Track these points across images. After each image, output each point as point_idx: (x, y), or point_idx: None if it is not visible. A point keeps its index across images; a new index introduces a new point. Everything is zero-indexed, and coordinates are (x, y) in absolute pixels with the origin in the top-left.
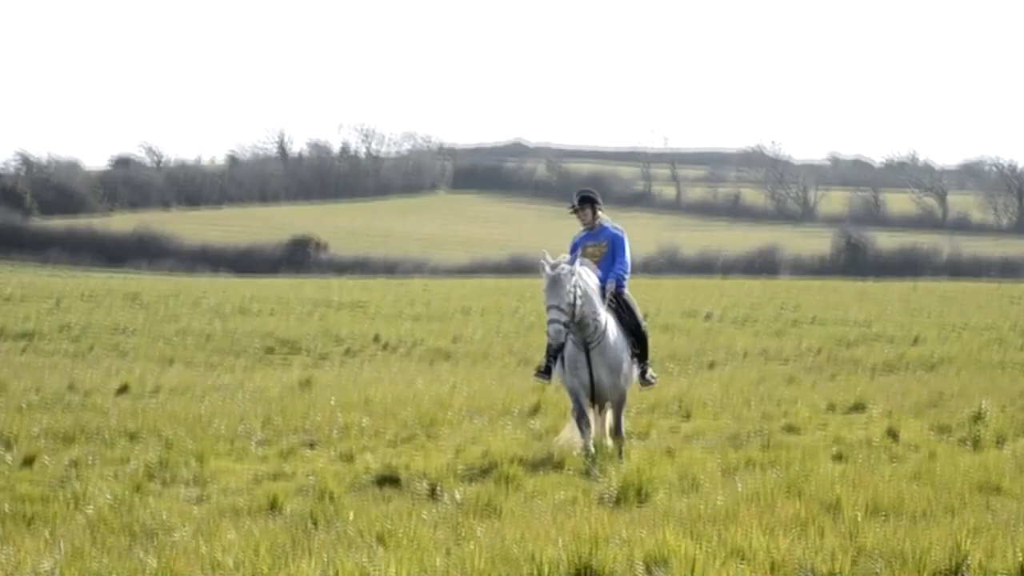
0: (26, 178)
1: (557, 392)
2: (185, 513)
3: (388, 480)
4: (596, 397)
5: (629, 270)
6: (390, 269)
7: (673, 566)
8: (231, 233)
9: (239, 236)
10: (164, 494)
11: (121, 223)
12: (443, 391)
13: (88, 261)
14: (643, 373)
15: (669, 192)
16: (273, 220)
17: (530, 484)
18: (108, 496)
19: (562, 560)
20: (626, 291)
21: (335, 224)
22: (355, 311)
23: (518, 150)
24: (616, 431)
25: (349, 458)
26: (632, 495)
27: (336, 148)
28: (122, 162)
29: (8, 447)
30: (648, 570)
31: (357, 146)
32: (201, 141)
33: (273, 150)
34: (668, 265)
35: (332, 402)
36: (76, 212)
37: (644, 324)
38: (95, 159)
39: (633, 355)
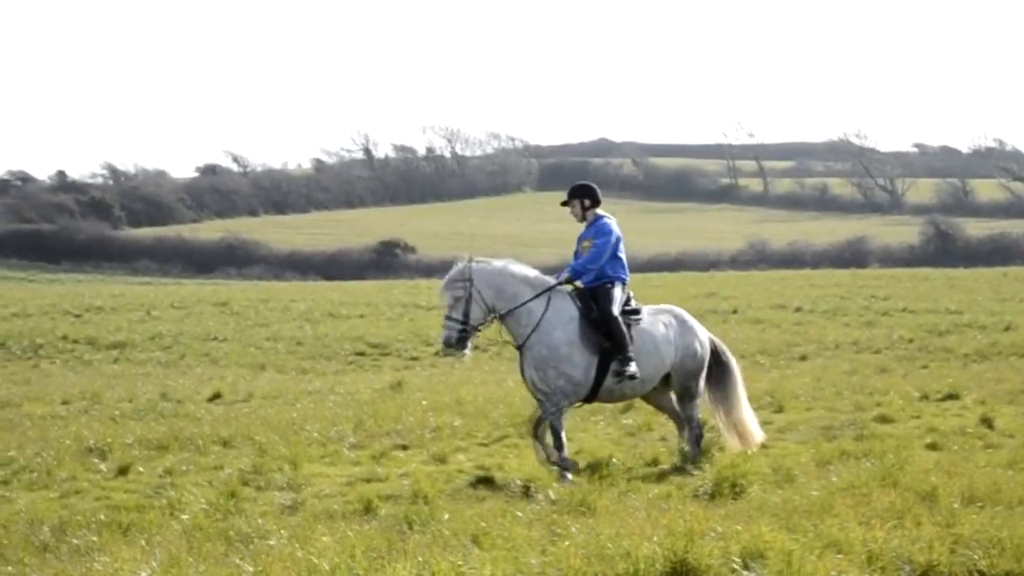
0: (114, 189)
1: None
2: (280, 518)
3: (482, 480)
4: (539, 394)
5: (601, 260)
6: None
7: (770, 560)
8: (318, 238)
9: (326, 241)
10: (259, 500)
11: (209, 231)
12: None
13: (177, 270)
14: (618, 370)
15: (755, 186)
16: (360, 224)
17: (624, 481)
18: (203, 503)
19: (657, 556)
20: (608, 284)
21: (422, 226)
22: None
23: (603, 147)
24: (533, 428)
25: (442, 459)
26: (726, 489)
27: (421, 150)
28: (209, 170)
29: (103, 457)
30: (745, 564)
31: (442, 148)
32: (287, 147)
33: (359, 154)
34: (756, 259)
35: (423, 404)
36: (164, 222)
37: (614, 316)
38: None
39: (604, 350)
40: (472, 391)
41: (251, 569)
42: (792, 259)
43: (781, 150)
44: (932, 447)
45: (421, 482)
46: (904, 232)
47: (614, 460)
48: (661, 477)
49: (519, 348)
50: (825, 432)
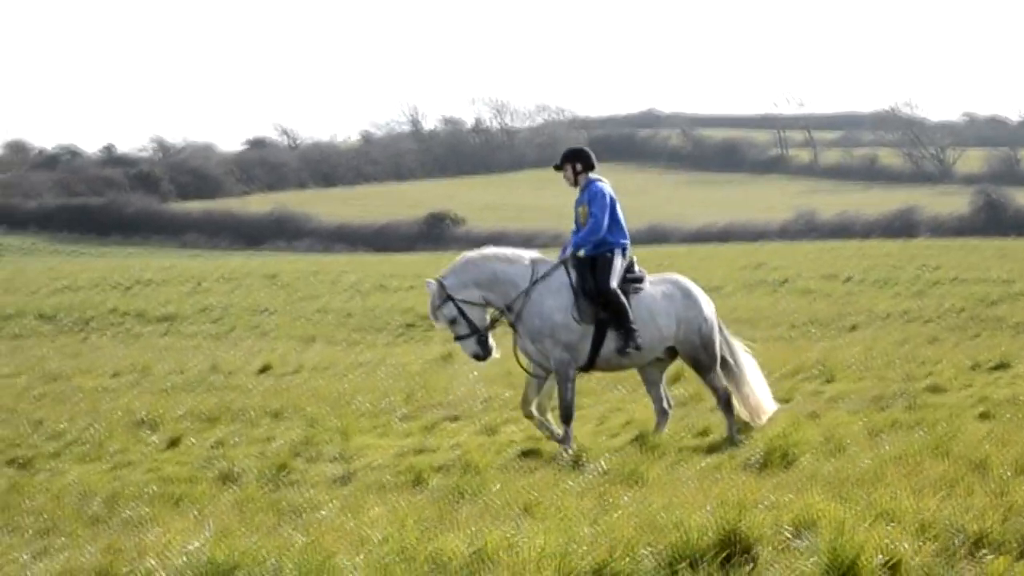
0: (162, 162)
1: None
2: (331, 490)
3: (532, 452)
4: (539, 368)
5: (601, 231)
6: (526, 242)
7: (821, 529)
8: (367, 211)
9: (375, 213)
10: (309, 471)
11: (258, 204)
12: None
13: (226, 243)
14: (620, 345)
15: (804, 156)
16: (408, 196)
17: (674, 451)
18: (254, 475)
19: (709, 526)
20: (607, 253)
21: (470, 199)
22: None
23: (651, 119)
24: (560, 412)
25: (492, 431)
26: (777, 459)
27: (469, 123)
28: (257, 144)
29: (153, 429)
30: (796, 534)
31: (490, 120)
32: (335, 120)
33: (407, 127)
34: (806, 229)
35: (473, 375)
36: (212, 195)
37: (613, 290)
38: (230, 142)
39: (600, 320)
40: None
41: (302, 540)
42: (841, 229)
43: (830, 120)
44: (984, 417)
45: (472, 453)
46: (954, 202)
47: (665, 430)
48: (712, 448)
49: (512, 325)
50: (876, 402)
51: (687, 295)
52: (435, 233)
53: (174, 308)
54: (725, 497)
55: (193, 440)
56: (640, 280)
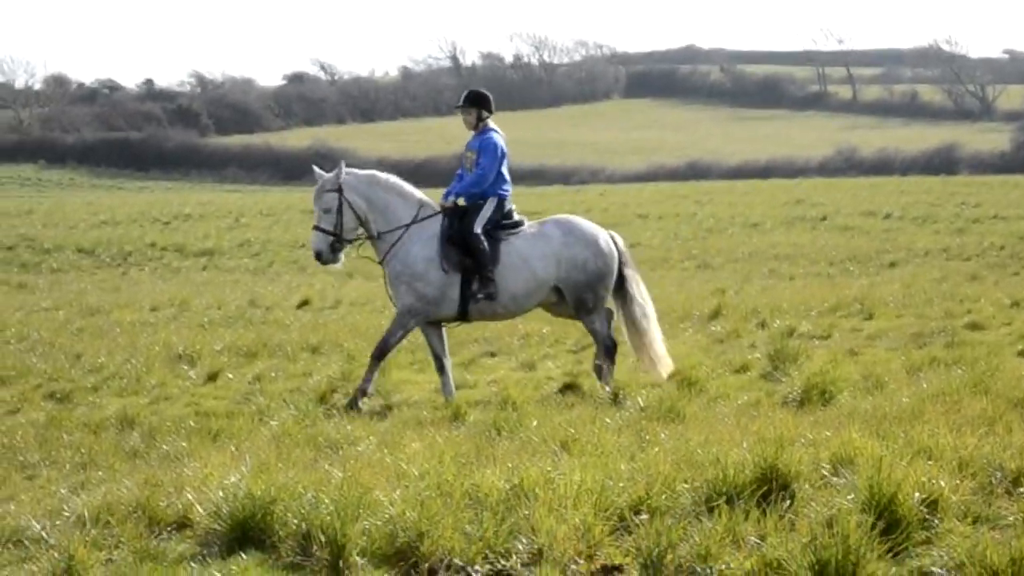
0: (201, 97)
1: (737, 295)
2: (369, 425)
3: (570, 387)
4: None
5: (486, 184)
6: (566, 177)
7: (859, 466)
8: (406, 146)
9: (414, 149)
10: (348, 396)
11: (296, 139)
12: None
13: (265, 177)
14: (474, 290)
15: (844, 93)
16: (447, 132)
17: (712, 388)
18: (292, 410)
19: (747, 463)
20: (480, 201)
21: (510, 134)
22: (533, 220)
23: (691, 55)
24: (376, 348)
25: (530, 366)
26: (816, 396)
27: (509, 58)
28: (296, 78)
29: (192, 363)
30: (834, 470)
31: (529, 56)
32: (373, 55)
33: (446, 62)
34: (845, 166)
35: None
36: (251, 129)
37: (474, 233)
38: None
39: (467, 268)
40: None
41: (340, 475)
42: (881, 166)
43: (870, 57)
44: (1023, 354)
45: (510, 389)
46: (995, 139)
47: (703, 366)
48: (750, 384)
49: (381, 263)
50: (915, 339)
51: (567, 232)
52: None
53: (213, 243)
54: (763, 434)
55: (231, 375)
56: (518, 225)
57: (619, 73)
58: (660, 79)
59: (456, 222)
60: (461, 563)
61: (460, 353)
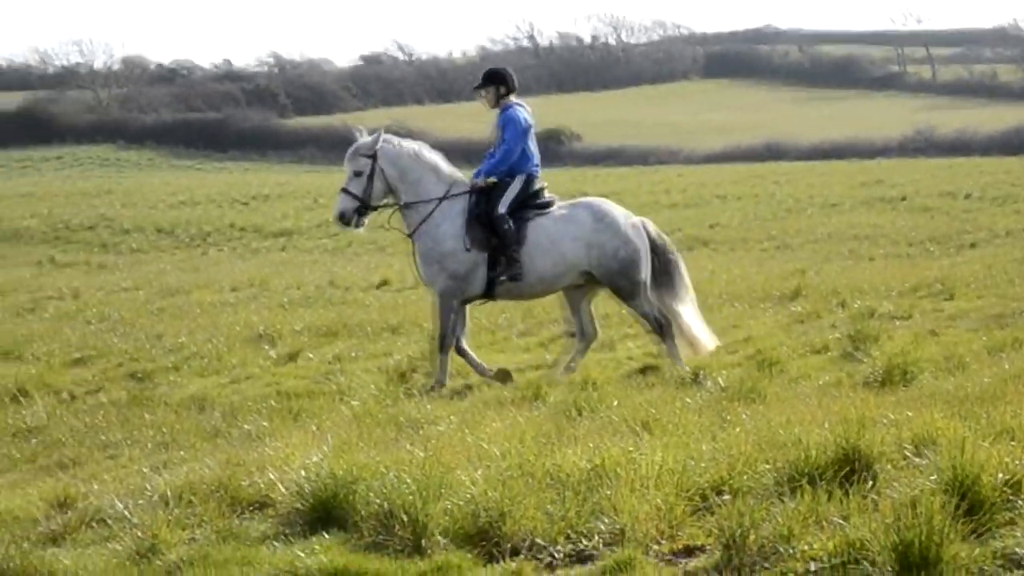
0: (279, 78)
1: (817, 276)
2: (449, 404)
3: (650, 367)
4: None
5: (511, 159)
6: (643, 158)
7: (941, 446)
8: (484, 126)
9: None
10: (427, 386)
11: (374, 120)
12: (702, 277)
13: (343, 159)
14: (497, 273)
15: (922, 73)
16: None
17: (793, 368)
18: (372, 389)
19: (829, 443)
20: (508, 179)
21: (586, 115)
22: (612, 200)
23: (769, 35)
24: (436, 338)
25: (610, 347)
26: (897, 377)
27: (586, 38)
28: (373, 59)
29: (272, 343)
30: (917, 451)
31: (607, 35)
32: (451, 36)
33: (523, 42)
34: (924, 146)
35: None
36: (329, 110)
37: (499, 214)
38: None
39: (494, 247)
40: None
41: (421, 454)
42: (960, 146)
43: (949, 37)
44: None
45: (590, 369)
46: None
47: (783, 347)
48: (830, 364)
49: (410, 236)
50: (996, 320)
51: (599, 219)
52: (551, 149)
53: (291, 223)
54: (845, 414)
55: (311, 355)
56: (547, 206)
57: (696, 53)
58: (737, 59)
59: (483, 201)
60: (543, 543)
61: (540, 333)
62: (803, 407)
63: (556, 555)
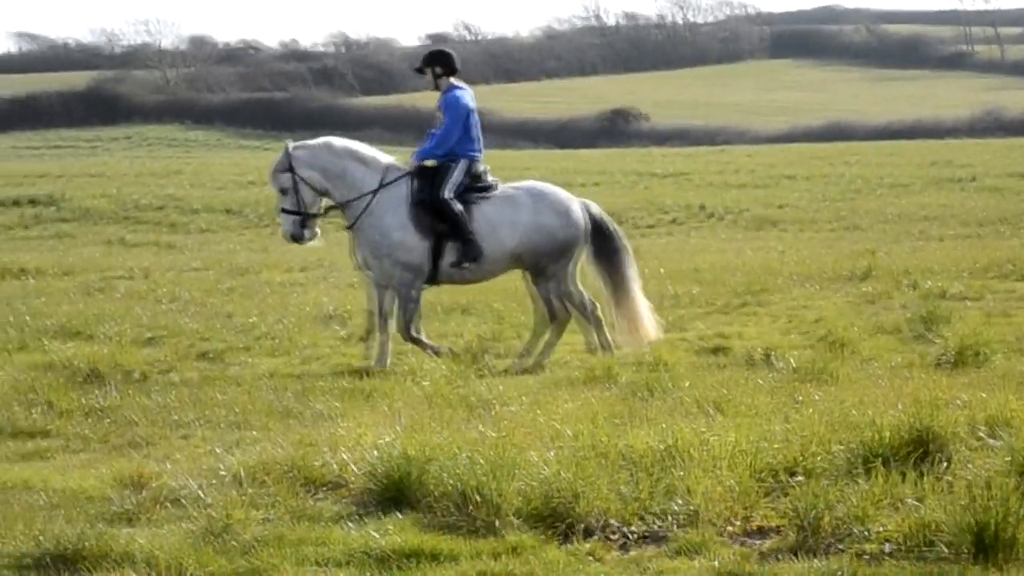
0: (344, 57)
1: (887, 256)
2: (520, 385)
3: (721, 348)
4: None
5: (450, 142)
6: (710, 138)
7: (1016, 427)
8: (550, 106)
9: (558, 109)
10: (498, 366)
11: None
12: (771, 258)
13: (409, 138)
14: (456, 259)
15: (990, 52)
16: (590, 92)
17: (865, 349)
18: (443, 369)
19: (902, 424)
20: (449, 163)
21: (652, 94)
22: (678, 181)
23: (834, 14)
24: (401, 330)
25: (681, 327)
26: (969, 358)
27: (652, 18)
28: (439, 39)
29: (343, 323)
30: (991, 432)
31: (673, 15)
32: (517, 15)
33: (589, 21)
34: (993, 126)
35: (661, 272)
36: (395, 90)
37: (443, 199)
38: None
39: (439, 233)
40: (709, 259)
41: (493, 434)
42: None
43: (1017, 16)
44: None
45: (661, 350)
46: None
47: (854, 327)
48: (902, 345)
49: (349, 228)
50: None
51: (539, 200)
52: (617, 129)
53: None
54: (917, 395)
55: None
56: (487, 190)
57: (762, 32)
58: (803, 39)
59: (426, 186)
60: (616, 523)
61: (606, 314)
62: (875, 388)
63: (629, 536)
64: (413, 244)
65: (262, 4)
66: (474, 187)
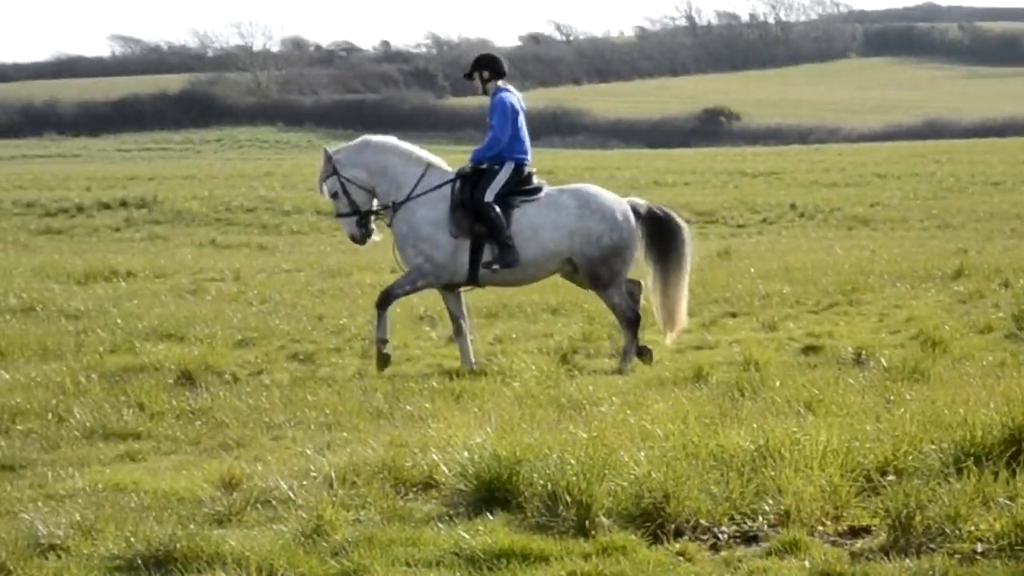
0: (437, 58)
1: (979, 255)
2: (611, 385)
3: (812, 348)
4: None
5: (500, 145)
6: (803, 137)
7: None
8: (642, 106)
9: (650, 109)
10: (588, 367)
11: (533, 100)
12: (863, 257)
13: None
14: (489, 260)
15: None
16: (683, 92)
17: (957, 348)
18: (534, 370)
19: (995, 423)
20: (496, 167)
21: (746, 94)
22: (770, 180)
23: (929, 12)
24: (383, 292)
25: (772, 327)
26: None
27: (745, 17)
28: (532, 39)
29: (433, 324)
30: None
31: (766, 14)
32: (610, 15)
33: (682, 21)
34: None
35: (752, 271)
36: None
37: (485, 202)
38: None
39: (477, 234)
40: (800, 258)
41: (585, 435)
42: None
43: None
44: None
45: (751, 349)
46: None
47: (946, 327)
48: (994, 344)
49: (390, 226)
50: None
51: (584, 204)
52: (710, 129)
53: None
54: (1011, 394)
55: (472, 336)
56: (533, 193)
57: (856, 31)
58: (897, 37)
59: (467, 187)
60: (708, 524)
61: (701, 314)
62: (968, 387)
63: (721, 536)
64: (442, 241)
65: (356, 5)
66: (519, 190)
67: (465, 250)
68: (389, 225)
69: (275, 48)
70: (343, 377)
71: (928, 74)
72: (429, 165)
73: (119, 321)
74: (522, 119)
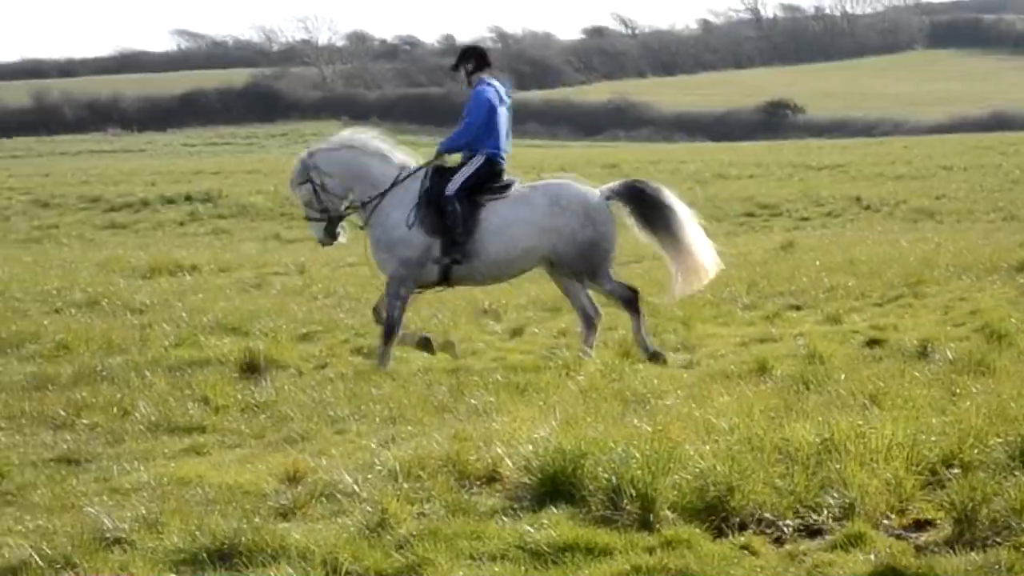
0: (501, 52)
1: None
2: (675, 378)
3: (876, 341)
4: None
5: (468, 137)
6: (868, 130)
7: None
8: (706, 99)
9: (714, 102)
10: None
11: (596, 93)
12: (928, 250)
13: (564, 133)
14: (440, 255)
15: None
16: (748, 85)
17: (1022, 341)
18: (598, 364)
19: None
20: (463, 162)
21: (811, 86)
22: (835, 173)
23: (996, 3)
24: (383, 328)
25: (836, 320)
26: None
27: (810, 9)
28: (595, 32)
29: (497, 318)
30: None
31: (831, 6)
32: (673, 7)
33: (746, 14)
34: None
35: (816, 264)
36: (551, 84)
37: (446, 195)
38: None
39: (438, 231)
40: (865, 251)
41: (649, 429)
42: None
43: None
44: None
45: (816, 342)
46: None
47: (1012, 319)
48: None
49: (362, 228)
50: None
51: (555, 202)
52: (775, 121)
53: None
54: None
55: (536, 329)
56: (503, 189)
57: (922, 23)
58: (963, 29)
59: (437, 183)
60: (772, 517)
61: (764, 307)
62: None
63: (785, 529)
64: (414, 240)
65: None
66: (489, 187)
67: (436, 248)
68: (362, 227)
69: (339, 42)
70: (407, 371)
71: (994, 66)
72: (403, 167)
73: (183, 315)
74: (503, 113)
